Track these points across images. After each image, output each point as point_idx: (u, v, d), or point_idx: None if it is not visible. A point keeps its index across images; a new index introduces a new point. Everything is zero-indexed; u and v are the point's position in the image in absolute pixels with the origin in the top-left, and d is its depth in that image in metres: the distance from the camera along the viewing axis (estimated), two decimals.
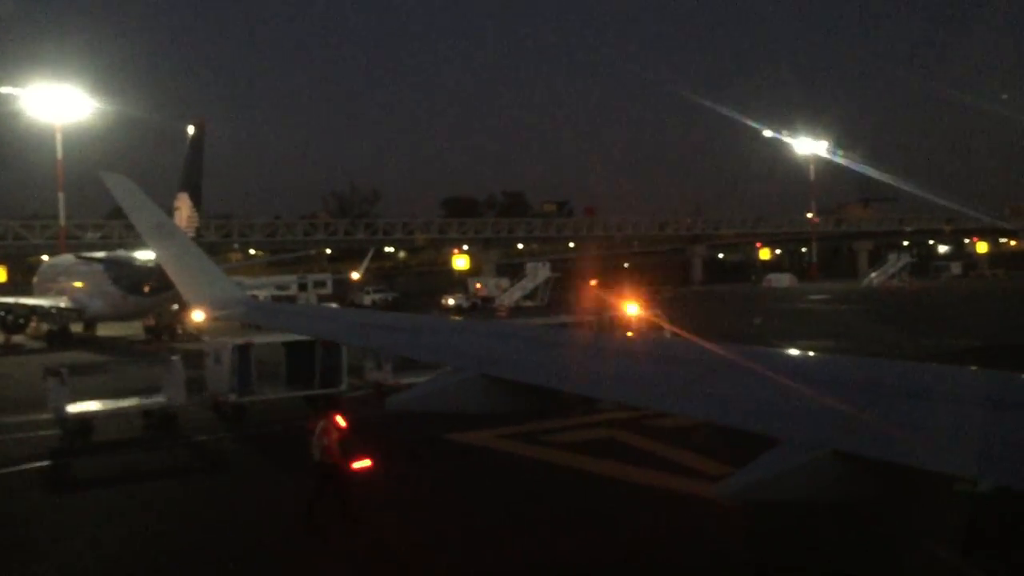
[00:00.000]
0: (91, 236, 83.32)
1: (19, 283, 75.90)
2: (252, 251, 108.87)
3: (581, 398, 7.07)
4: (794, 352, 7.77)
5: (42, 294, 57.02)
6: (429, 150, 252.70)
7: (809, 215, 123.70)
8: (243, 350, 25.66)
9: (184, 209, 48.01)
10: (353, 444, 15.35)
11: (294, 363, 26.66)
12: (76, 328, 55.26)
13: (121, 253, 54.83)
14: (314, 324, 14.28)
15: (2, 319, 53.24)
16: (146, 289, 49.35)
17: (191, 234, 44.56)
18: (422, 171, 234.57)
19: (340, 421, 15.18)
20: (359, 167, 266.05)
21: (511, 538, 14.42)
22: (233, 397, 25.48)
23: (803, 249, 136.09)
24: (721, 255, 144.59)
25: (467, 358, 8.18)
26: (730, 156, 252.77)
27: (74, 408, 23.54)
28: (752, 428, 5.29)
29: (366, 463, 15.23)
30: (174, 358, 25.40)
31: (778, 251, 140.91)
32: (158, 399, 24.82)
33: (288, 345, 26.33)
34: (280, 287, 68.40)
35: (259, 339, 26.25)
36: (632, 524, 14.94)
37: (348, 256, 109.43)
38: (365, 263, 73.70)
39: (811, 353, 7.11)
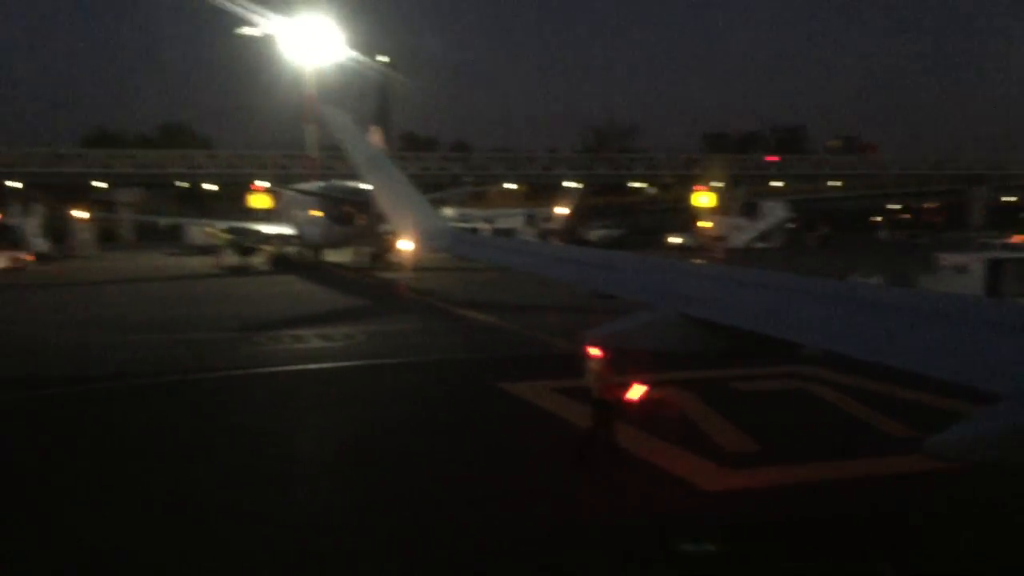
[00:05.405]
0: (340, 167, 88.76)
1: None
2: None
3: (784, 342, 6.83)
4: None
5: (282, 222, 61.63)
6: (698, 85, 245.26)
7: None
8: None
9: (376, 142, 49.53)
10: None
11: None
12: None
13: (335, 184, 57.75)
14: (511, 257, 14.22)
15: (237, 243, 58.18)
16: (348, 219, 51.93)
17: None
18: (690, 108, 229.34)
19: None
20: (632, 102, 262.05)
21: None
22: None
23: None
24: (1014, 199, 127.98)
25: (661, 296, 8.23)
26: None
27: None
28: (966, 381, 5.12)
29: (641, 389, 14.20)
30: None
31: None
32: None
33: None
34: (488, 220, 69.11)
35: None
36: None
37: (600, 191, 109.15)
38: (575, 200, 72.98)
39: None
